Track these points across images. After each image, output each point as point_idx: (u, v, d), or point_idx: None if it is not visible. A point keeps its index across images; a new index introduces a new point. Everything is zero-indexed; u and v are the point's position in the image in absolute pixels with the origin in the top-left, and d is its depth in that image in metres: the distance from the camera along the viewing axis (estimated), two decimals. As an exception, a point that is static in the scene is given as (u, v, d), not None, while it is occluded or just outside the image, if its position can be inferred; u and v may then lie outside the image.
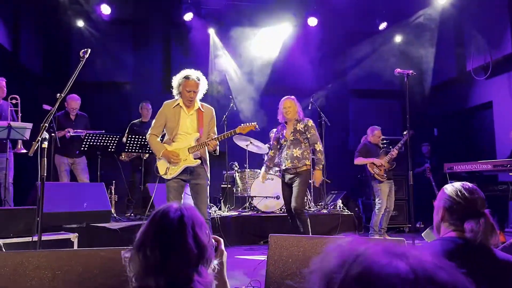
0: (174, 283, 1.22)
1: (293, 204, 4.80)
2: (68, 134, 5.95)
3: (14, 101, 5.58)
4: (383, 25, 8.79)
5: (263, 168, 5.38)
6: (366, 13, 8.65)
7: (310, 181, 5.62)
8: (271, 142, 5.29)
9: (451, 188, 1.81)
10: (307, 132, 4.88)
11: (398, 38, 9.15)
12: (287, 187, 4.96)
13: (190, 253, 1.24)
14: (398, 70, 4.51)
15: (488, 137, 7.70)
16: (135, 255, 1.27)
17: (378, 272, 0.62)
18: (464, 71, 8.07)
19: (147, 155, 6.43)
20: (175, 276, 1.22)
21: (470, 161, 6.30)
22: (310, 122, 4.94)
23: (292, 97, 5.04)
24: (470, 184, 1.81)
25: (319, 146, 4.92)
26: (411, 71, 4.43)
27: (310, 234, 4.69)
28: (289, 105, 4.91)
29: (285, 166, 4.90)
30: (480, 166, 6.10)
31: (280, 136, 5.02)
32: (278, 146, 5.13)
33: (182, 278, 1.23)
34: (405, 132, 5.94)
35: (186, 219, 1.28)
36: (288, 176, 4.91)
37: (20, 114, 5.56)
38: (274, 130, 5.23)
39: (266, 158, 5.29)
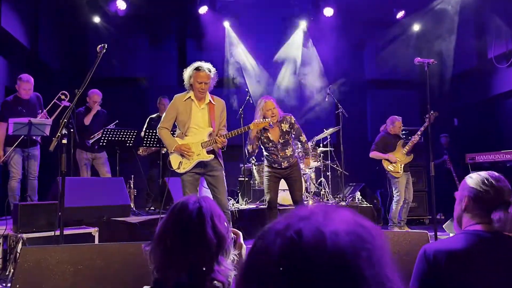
0: (195, 273, 1.23)
1: (297, 198, 4.90)
2: (88, 143, 6.02)
3: (63, 97, 5.70)
4: (400, 14, 8.61)
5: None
6: (382, 1, 8.49)
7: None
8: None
9: (476, 176, 1.74)
10: (292, 130, 4.83)
11: (416, 27, 8.96)
12: (278, 179, 4.92)
13: (210, 243, 1.25)
14: (418, 59, 4.42)
15: (511, 127, 7.52)
16: (156, 247, 1.29)
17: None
18: (485, 59, 7.87)
19: (165, 149, 6.45)
20: (196, 266, 1.24)
21: (492, 151, 6.17)
22: (293, 119, 4.86)
23: (271, 97, 4.90)
24: (496, 173, 1.75)
25: (304, 137, 4.98)
26: (431, 60, 4.33)
27: None
28: (273, 106, 4.66)
29: (279, 166, 4.85)
30: (503, 156, 5.97)
31: (265, 140, 4.80)
32: (257, 144, 4.91)
33: (202, 268, 1.24)
34: (431, 112, 5.50)
35: (205, 210, 1.30)
36: (283, 171, 4.87)
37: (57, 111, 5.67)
38: None
39: (248, 152, 5.01)
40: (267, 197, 5.02)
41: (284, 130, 4.78)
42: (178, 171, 4.12)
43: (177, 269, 1.23)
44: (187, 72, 4.10)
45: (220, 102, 4.28)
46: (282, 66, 9.02)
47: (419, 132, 6.03)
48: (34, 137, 5.53)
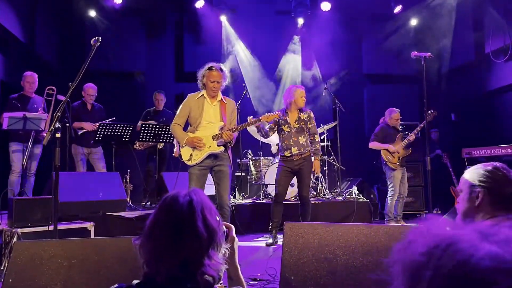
0: (185, 268, 1.22)
1: (304, 193, 5.04)
2: (78, 132, 6.02)
3: (50, 92, 5.75)
4: (398, 8, 8.59)
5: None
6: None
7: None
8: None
9: (484, 168, 1.61)
10: (308, 122, 5.09)
11: (413, 21, 8.94)
12: (289, 173, 5.06)
13: (200, 237, 1.24)
14: (415, 53, 4.41)
15: (508, 121, 7.52)
16: (146, 241, 1.28)
17: (475, 266, 0.52)
18: (483, 54, 7.86)
19: (162, 144, 6.44)
20: (186, 260, 1.23)
21: (489, 146, 6.18)
22: (312, 114, 5.17)
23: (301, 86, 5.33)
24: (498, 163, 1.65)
25: (318, 137, 5.22)
26: (428, 54, 4.32)
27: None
28: (304, 95, 5.09)
29: (290, 153, 5.00)
30: (500, 150, 5.98)
31: (282, 122, 5.09)
32: (275, 128, 5.20)
33: (193, 263, 1.23)
34: (430, 112, 5.56)
35: (195, 204, 1.28)
36: (294, 163, 5.01)
37: (52, 106, 5.72)
38: None
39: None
40: (275, 190, 5.14)
41: (302, 118, 5.05)
42: (188, 163, 4.21)
43: (167, 263, 1.22)
44: (200, 72, 4.24)
45: (231, 102, 4.42)
46: (279, 60, 9.00)
47: (418, 128, 6.03)
48: (39, 136, 5.60)
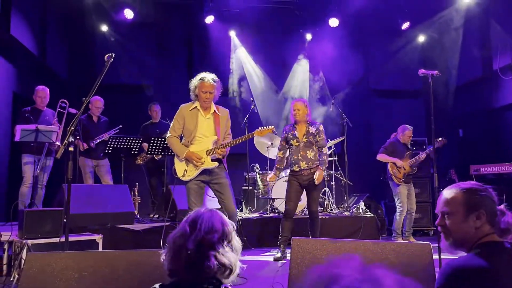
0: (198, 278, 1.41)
1: (313, 208, 5.03)
2: (93, 144, 6.10)
3: (63, 104, 5.88)
4: (405, 25, 8.66)
5: (273, 171, 5.32)
6: (387, 12, 8.54)
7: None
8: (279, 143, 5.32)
9: (474, 185, 1.59)
10: (317, 136, 5.06)
11: (421, 38, 9.01)
12: (299, 187, 5.06)
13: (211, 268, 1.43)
14: (422, 70, 4.41)
15: (516, 138, 7.50)
16: (166, 255, 1.49)
17: None
18: (490, 71, 7.87)
19: (159, 156, 6.46)
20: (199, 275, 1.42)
21: (497, 163, 6.16)
22: (321, 127, 5.16)
23: (304, 99, 5.32)
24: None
25: (326, 150, 5.19)
26: (435, 72, 4.32)
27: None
28: (298, 108, 5.06)
29: (299, 167, 4.98)
30: (508, 168, 5.96)
31: (291, 137, 5.09)
32: (287, 147, 5.21)
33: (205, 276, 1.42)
34: (440, 139, 5.70)
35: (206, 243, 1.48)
36: (303, 178, 4.99)
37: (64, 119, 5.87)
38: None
39: (276, 159, 5.34)
40: (286, 206, 5.09)
41: (310, 131, 5.04)
42: (183, 178, 4.16)
43: (185, 272, 1.40)
44: (192, 83, 4.18)
45: (225, 112, 4.35)
46: (286, 74, 9.08)
47: (428, 151, 6.01)
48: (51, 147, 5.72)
